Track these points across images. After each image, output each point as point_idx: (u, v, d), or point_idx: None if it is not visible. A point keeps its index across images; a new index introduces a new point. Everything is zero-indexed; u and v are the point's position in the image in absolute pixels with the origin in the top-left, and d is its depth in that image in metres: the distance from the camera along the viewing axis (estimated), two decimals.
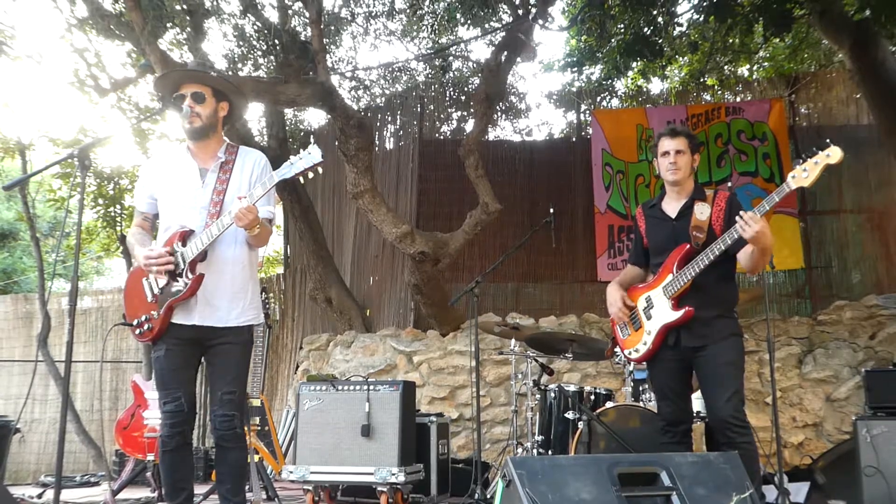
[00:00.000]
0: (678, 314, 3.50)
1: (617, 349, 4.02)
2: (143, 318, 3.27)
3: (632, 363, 4.94)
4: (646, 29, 8.23)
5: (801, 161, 3.10)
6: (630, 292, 3.81)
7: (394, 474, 4.80)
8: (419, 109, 9.26)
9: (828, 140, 3.06)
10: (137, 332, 3.29)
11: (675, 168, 3.64)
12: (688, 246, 3.52)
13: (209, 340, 3.27)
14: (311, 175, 3.08)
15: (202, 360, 3.36)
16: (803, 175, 3.10)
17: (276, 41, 7.38)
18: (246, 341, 3.37)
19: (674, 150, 3.65)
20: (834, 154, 3.03)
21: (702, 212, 3.55)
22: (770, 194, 3.22)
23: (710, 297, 3.49)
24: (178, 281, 3.21)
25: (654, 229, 3.78)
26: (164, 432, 3.27)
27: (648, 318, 3.66)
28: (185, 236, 3.23)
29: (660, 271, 3.64)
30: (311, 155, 2.98)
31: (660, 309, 3.60)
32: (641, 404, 4.69)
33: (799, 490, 5.10)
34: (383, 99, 10.02)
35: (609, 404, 4.73)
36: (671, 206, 3.71)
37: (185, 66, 6.98)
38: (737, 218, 3.25)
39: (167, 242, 3.26)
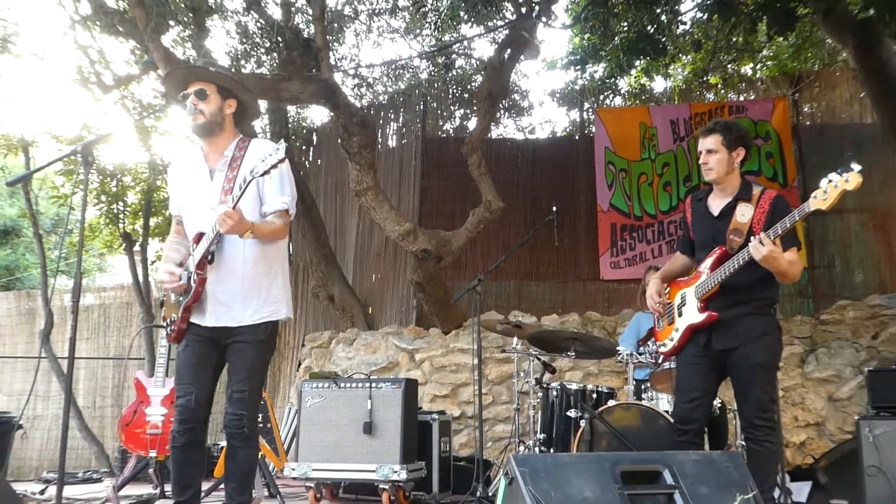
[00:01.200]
0: (702, 317, 3.49)
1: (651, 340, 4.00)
2: (170, 320, 3.35)
3: (631, 364, 4.96)
4: (649, 27, 8.23)
5: (827, 181, 3.04)
6: (672, 286, 3.80)
7: (396, 472, 4.80)
8: (422, 107, 9.26)
9: (853, 166, 3.02)
10: (167, 332, 3.38)
11: (706, 168, 3.59)
12: (723, 249, 3.48)
13: (226, 340, 3.27)
14: (275, 170, 3.01)
15: (224, 359, 3.37)
16: (823, 198, 3.06)
17: (280, 38, 7.38)
18: (260, 340, 3.30)
19: (704, 150, 3.59)
20: (853, 180, 3.00)
21: (743, 214, 3.48)
22: (791, 213, 3.19)
23: (742, 297, 3.45)
24: (188, 285, 3.25)
25: (698, 224, 3.73)
26: (174, 427, 3.26)
27: (679, 315, 3.66)
28: (199, 239, 3.23)
29: (699, 269, 3.62)
30: (279, 150, 2.94)
31: (690, 308, 3.60)
32: (644, 403, 4.68)
33: (801, 489, 5.09)
34: (386, 96, 10.03)
35: (611, 402, 4.72)
36: (716, 203, 3.64)
37: (189, 63, 7.00)
38: (752, 238, 3.24)
39: (188, 249, 3.33)
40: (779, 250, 3.21)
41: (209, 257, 3.20)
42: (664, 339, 3.74)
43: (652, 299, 3.79)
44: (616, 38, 8.85)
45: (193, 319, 3.27)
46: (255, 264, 3.29)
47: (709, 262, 3.53)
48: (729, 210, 3.55)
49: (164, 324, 3.41)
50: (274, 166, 2.91)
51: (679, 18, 8.85)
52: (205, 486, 5.17)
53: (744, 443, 3.55)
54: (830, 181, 3.05)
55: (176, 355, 3.37)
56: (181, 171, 3.47)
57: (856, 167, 3.01)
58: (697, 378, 3.58)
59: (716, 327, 3.48)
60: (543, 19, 7.63)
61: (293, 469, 5.01)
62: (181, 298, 3.27)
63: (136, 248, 8.76)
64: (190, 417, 3.23)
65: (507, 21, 8.54)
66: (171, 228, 3.55)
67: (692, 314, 3.56)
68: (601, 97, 9.65)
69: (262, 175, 2.94)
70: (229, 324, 3.26)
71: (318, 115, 10.31)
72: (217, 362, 3.34)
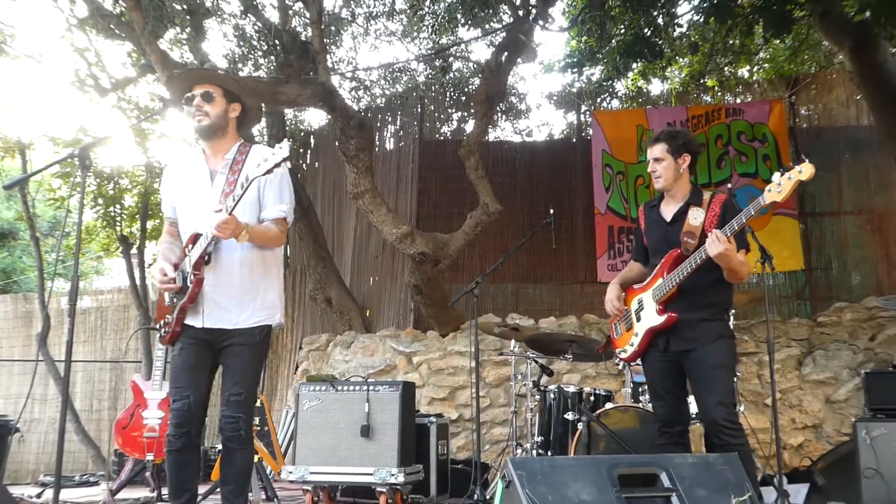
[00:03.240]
0: (661, 319, 3.53)
1: (611, 348, 4.05)
2: (163, 321, 3.34)
3: (629, 365, 4.96)
4: (646, 30, 8.24)
5: (779, 174, 3.13)
6: (627, 293, 3.85)
7: (393, 475, 4.79)
8: (419, 110, 9.26)
9: (802, 156, 3.11)
10: (160, 334, 3.37)
11: (655, 176, 3.70)
12: (679, 251, 3.53)
13: (220, 342, 3.27)
14: (278, 169, 3.02)
15: (217, 362, 3.37)
16: (777, 190, 3.14)
17: (277, 41, 7.39)
18: (255, 343, 3.31)
19: (652, 159, 3.70)
20: (806, 170, 3.07)
21: (695, 217, 3.55)
22: (744, 209, 3.25)
23: (698, 301, 3.50)
24: (184, 286, 3.24)
25: (651, 230, 3.80)
26: (170, 431, 3.25)
27: (638, 319, 3.70)
28: (195, 241, 3.23)
29: (653, 274, 3.66)
30: (282, 150, 2.95)
31: (648, 312, 3.64)
32: (641, 405, 4.69)
33: (798, 492, 5.09)
34: (384, 99, 10.03)
35: (609, 405, 4.72)
36: (668, 209, 3.72)
37: (187, 65, 7.00)
38: (709, 235, 3.30)
39: (182, 249, 3.31)
40: (733, 247, 3.28)
41: (206, 258, 3.20)
42: (623, 345, 3.79)
43: (611, 304, 3.85)
44: (613, 41, 8.86)
45: (188, 321, 3.26)
46: (252, 268, 3.30)
47: (665, 265, 3.57)
48: (680, 215, 3.63)
49: (157, 326, 3.40)
50: (277, 165, 2.93)
51: (676, 21, 8.88)
52: (202, 489, 5.17)
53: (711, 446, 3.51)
54: (783, 173, 3.12)
55: (171, 358, 3.36)
56: (179, 172, 3.46)
57: (806, 159, 3.09)
58: (667, 381, 3.63)
59: (674, 330, 3.53)
60: (540, 22, 7.64)
61: (290, 472, 5.00)
62: (175, 299, 3.27)
63: (134, 251, 8.75)
64: (186, 421, 3.23)
65: (504, 24, 8.56)
66: (164, 229, 3.54)
67: (651, 317, 3.60)
68: (598, 100, 9.66)
69: (265, 174, 2.95)
70: (225, 326, 3.26)
71: (315, 118, 10.33)
72: (212, 365, 3.34)
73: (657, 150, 3.68)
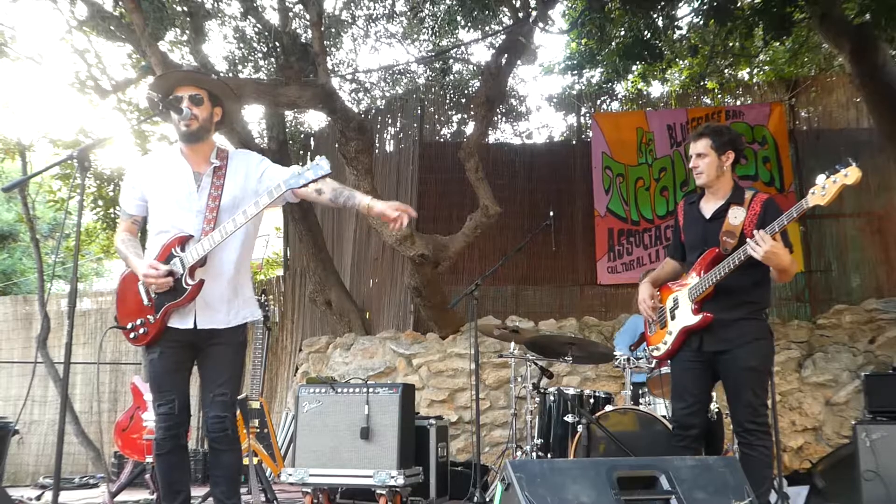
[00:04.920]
0: (696, 319, 3.49)
1: (643, 344, 4.01)
2: (137, 321, 3.24)
3: (629, 368, 4.95)
4: (646, 32, 8.25)
5: (825, 177, 3.05)
6: (662, 290, 3.81)
7: (393, 477, 4.79)
8: (419, 112, 9.26)
9: (850, 159, 3.02)
10: (132, 335, 3.26)
11: (697, 172, 3.64)
12: (717, 250, 3.49)
13: (205, 343, 3.27)
14: (314, 185, 3.06)
15: (195, 362, 3.35)
16: (822, 193, 3.06)
17: (277, 43, 7.39)
18: (239, 342, 3.36)
19: (695, 154, 3.63)
20: (852, 174, 2.98)
21: (735, 216, 3.50)
22: (788, 210, 3.19)
23: (735, 301, 3.46)
24: (177, 286, 3.19)
25: (690, 226, 3.75)
26: (158, 435, 3.25)
27: (672, 318, 3.66)
28: (184, 241, 3.20)
29: (690, 271, 3.62)
30: (320, 166, 2.96)
31: (683, 311, 3.59)
32: (641, 407, 4.68)
33: (798, 494, 5.09)
34: (383, 101, 10.03)
35: (608, 407, 4.71)
36: (708, 206, 3.67)
37: (182, 67, 7.00)
38: (748, 238, 3.26)
39: (164, 248, 3.22)
40: (780, 245, 3.22)
41: (203, 260, 3.19)
42: (657, 342, 3.75)
43: (644, 303, 3.81)
44: (613, 43, 8.87)
45: (173, 323, 3.22)
46: (237, 266, 3.32)
47: (702, 263, 3.53)
48: (721, 213, 3.57)
49: (124, 326, 3.27)
50: (315, 181, 3.00)
51: (675, 24, 8.88)
52: (202, 490, 5.17)
53: (737, 447, 3.55)
54: (829, 176, 3.04)
55: (149, 362, 3.30)
56: (156, 170, 3.38)
57: (853, 162, 3.00)
58: (693, 382, 3.59)
59: (708, 330, 3.49)
60: (540, 24, 7.65)
61: (290, 474, 5.00)
62: (164, 300, 3.20)
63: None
64: (174, 424, 3.24)
65: (504, 26, 8.56)
66: (120, 225, 3.43)
67: (686, 316, 3.56)
68: (598, 102, 9.66)
69: (302, 187, 3.01)
70: (217, 326, 3.26)
71: (315, 120, 10.33)
72: (191, 366, 3.35)
73: (701, 146, 3.61)
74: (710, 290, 3.47)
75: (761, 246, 3.18)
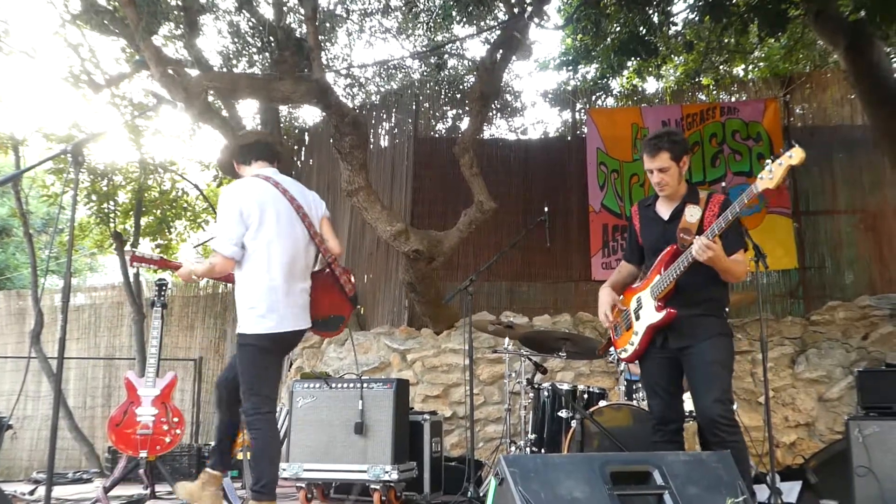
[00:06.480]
0: (661, 315, 3.52)
1: (611, 348, 4.05)
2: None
3: (623, 364, 4.97)
4: (641, 28, 8.24)
5: (771, 161, 3.12)
6: (626, 293, 3.85)
7: (387, 472, 4.80)
8: (414, 107, 9.24)
9: (793, 142, 3.09)
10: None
11: (662, 186, 3.65)
12: (675, 247, 3.53)
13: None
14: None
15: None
16: (769, 177, 3.12)
17: (271, 38, 7.37)
18: (239, 345, 3.83)
19: (657, 170, 3.63)
20: (796, 155, 3.04)
21: (692, 214, 3.55)
22: (736, 200, 3.25)
23: (696, 297, 3.51)
24: None
25: (647, 229, 3.80)
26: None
27: (637, 318, 3.69)
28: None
29: (651, 272, 3.66)
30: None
31: (647, 310, 3.63)
32: (635, 403, 4.69)
33: (791, 490, 5.11)
34: (378, 96, 10.01)
35: (602, 403, 4.73)
36: (664, 208, 3.73)
37: (181, 62, 6.99)
38: (694, 241, 3.32)
39: None
40: (718, 248, 3.28)
41: None
42: (624, 345, 3.78)
43: (604, 313, 3.85)
44: (608, 39, 8.85)
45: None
46: None
47: (662, 261, 3.56)
48: (678, 213, 3.63)
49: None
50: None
51: (671, 19, 8.87)
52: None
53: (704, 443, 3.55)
54: (774, 160, 3.11)
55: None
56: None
57: (796, 144, 3.07)
58: (664, 378, 3.64)
59: (672, 327, 3.53)
60: (535, 20, 7.63)
61: (284, 469, 5.01)
62: None
63: (127, 247, 8.72)
64: None
65: (499, 22, 8.54)
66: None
67: (650, 314, 3.60)
68: (593, 98, 9.65)
69: None
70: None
71: (309, 115, 10.31)
72: None
73: (662, 160, 3.60)
74: (671, 287, 3.50)
75: (703, 252, 3.26)
